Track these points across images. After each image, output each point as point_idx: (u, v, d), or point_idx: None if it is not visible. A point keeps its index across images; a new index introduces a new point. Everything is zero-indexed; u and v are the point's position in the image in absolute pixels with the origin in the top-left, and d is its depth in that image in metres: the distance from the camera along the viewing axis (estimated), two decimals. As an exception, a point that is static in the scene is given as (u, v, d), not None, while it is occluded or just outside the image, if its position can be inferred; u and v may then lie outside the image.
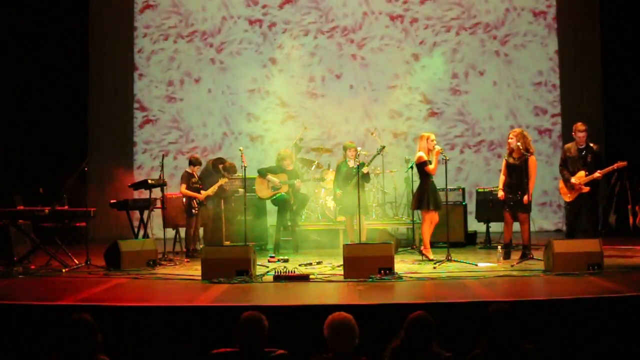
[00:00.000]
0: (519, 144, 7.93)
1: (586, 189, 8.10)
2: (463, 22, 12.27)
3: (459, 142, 12.20)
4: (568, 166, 8.26)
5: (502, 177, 8.17)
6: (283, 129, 11.98)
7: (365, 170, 8.69)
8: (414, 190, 8.80)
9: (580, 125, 8.28)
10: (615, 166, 8.15)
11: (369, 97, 12.23)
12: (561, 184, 8.40)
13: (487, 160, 12.16)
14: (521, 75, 12.28)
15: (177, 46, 12.36)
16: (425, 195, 8.33)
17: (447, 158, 8.24)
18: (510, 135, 8.05)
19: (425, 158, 8.29)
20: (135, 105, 12.36)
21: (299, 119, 12.01)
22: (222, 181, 9.44)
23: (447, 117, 12.22)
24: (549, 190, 11.98)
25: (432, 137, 8.40)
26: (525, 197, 7.85)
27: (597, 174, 8.04)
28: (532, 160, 7.96)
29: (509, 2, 12.31)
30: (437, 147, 8.24)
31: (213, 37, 12.34)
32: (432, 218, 8.34)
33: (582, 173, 8.12)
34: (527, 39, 12.28)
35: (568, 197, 8.27)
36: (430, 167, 8.27)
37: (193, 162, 9.47)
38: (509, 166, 8.08)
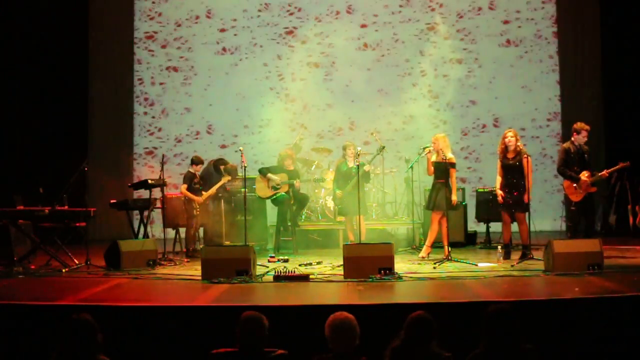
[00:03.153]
0: (519, 143, 7.98)
1: (593, 189, 8.13)
2: (462, 21, 12.27)
3: (456, 141, 12.20)
4: (571, 166, 8.24)
5: (498, 178, 8.17)
6: (284, 128, 11.99)
7: (366, 168, 8.71)
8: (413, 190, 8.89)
9: (586, 125, 8.29)
10: (619, 166, 8.17)
11: (370, 97, 12.24)
12: (567, 184, 8.33)
13: (486, 160, 12.16)
14: (521, 75, 12.28)
15: (178, 45, 12.37)
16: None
17: (447, 158, 8.27)
18: (510, 135, 8.05)
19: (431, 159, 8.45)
20: (136, 104, 12.37)
21: (300, 119, 12.03)
22: (225, 179, 9.43)
23: (445, 117, 12.21)
24: (550, 191, 12.00)
25: (433, 138, 8.45)
26: (526, 196, 7.87)
27: (605, 173, 8.08)
28: (529, 160, 7.98)
29: (509, 1, 12.32)
30: (427, 148, 8.41)
31: (215, 37, 12.36)
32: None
33: (586, 173, 8.13)
34: (527, 38, 12.29)
35: (576, 197, 8.22)
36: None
37: (195, 161, 9.48)
38: (504, 166, 8.08)
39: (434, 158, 8.40)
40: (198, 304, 5.71)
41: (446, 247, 8.19)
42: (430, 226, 8.49)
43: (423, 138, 11.62)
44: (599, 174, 8.12)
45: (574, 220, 8.43)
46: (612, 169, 8.21)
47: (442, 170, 8.31)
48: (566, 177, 8.29)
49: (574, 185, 8.19)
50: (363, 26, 12.28)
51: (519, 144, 8.04)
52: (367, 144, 11.39)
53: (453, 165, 8.34)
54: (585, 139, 8.25)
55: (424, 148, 9.55)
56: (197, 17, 12.39)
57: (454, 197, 8.29)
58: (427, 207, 8.58)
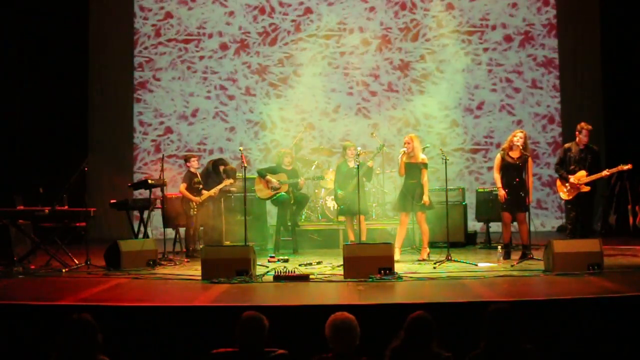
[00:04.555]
0: (518, 144, 7.99)
1: (586, 189, 8.17)
2: (461, 21, 12.27)
3: (458, 142, 12.20)
4: (568, 165, 8.33)
5: (497, 176, 8.14)
6: (284, 128, 12.01)
7: (370, 163, 8.71)
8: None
9: (588, 125, 8.34)
10: (619, 168, 8.20)
11: (371, 97, 12.25)
12: (558, 182, 8.52)
13: (487, 161, 12.17)
14: (521, 75, 12.28)
15: (179, 44, 12.37)
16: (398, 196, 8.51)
17: (447, 158, 8.27)
18: (520, 135, 8.05)
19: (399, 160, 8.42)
20: (136, 104, 12.36)
21: (300, 119, 12.04)
22: (226, 182, 9.42)
23: (446, 117, 12.21)
24: (550, 191, 12.01)
25: (406, 138, 8.43)
26: (528, 197, 7.90)
27: (605, 172, 8.14)
28: (530, 160, 8.00)
29: (508, 2, 12.32)
30: (402, 150, 8.35)
31: (217, 35, 12.36)
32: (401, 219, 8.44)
33: (582, 173, 8.19)
34: (527, 38, 12.29)
35: (566, 195, 8.37)
36: (397, 168, 8.40)
37: (188, 157, 9.49)
38: (506, 165, 8.07)
39: (405, 158, 8.37)
40: (198, 304, 5.70)
41: (399, 249, 8.23)
42: (398, 228, 8.43)
43: (424, 138, 11.68)
44: (601, 174, 8.18)
45: (571, 219, 8.47)
46: (611, 170, 8.24)
47: (416, 170, 8.32)
48: (558, 175, 8.47)
49: (565, 184, 8.29)
50: (366, 24, 12.28)
51: (519, 144, 8.02)
52: (370, 136, 11.35)
53: (426, 165, 8.36)
54: (587, 138, 8.31)
55: (424, 148, 9.55)
56: (200, 14, 12.38)
57: (426, 198, 8.28)
58: (404, 209, 8.37)
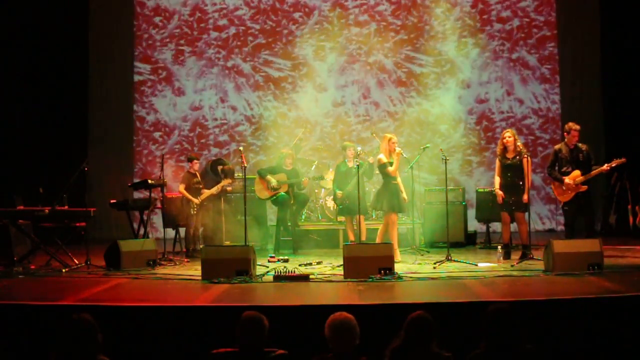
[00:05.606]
0: (518, 143, 7.99)
1: (584, 188, 8.13)
2: (462, 20, 12.26)
3: (457, 141, 12.20)
4: (561, 167, 8.28)
5: (497, 179, 8.16)
6: (284, 128, 12.01)
7: (371, 159, 8.69)
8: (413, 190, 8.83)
9: (576, 125, 8.31)
10: (615, 162, 8.17)
11: (370, 96, 12.25)
12: (554, 185, 8.43)
13: (486, 161, 12.17)
14: (521, 75, 12.28)
15: (179, 42, 12.36)
16: (381, 196, 8.40)
17: (447, 158, 8.28)
18: (508, 135, 8.07)
19: (385, 160, 8.32)
20: (136, 104, 12.36)
21: (301, 118, 12.04)
22: (225, 182, 9.42)
23: (445, 115, 12.20)
24: (550, 191, 12.03)
25: (394, 138, 8.41)
26: (525, 196, 7.89)
27: (606, 167, 8.10)
28: (529, 160, 7.99)
29: (508, 1, 12.32)
30: (398, 149, 8.26)
31: (217, 33, 12.36)
32: (390, 220, 8.32)
33: (577, 172, 8.15)
34: (527, 38, 12.28)
35: (564, 198, 8.30)
36: (391, 168, 8.28)
37: (191, 158, 9.49)
38: (505, 167, 8.07)
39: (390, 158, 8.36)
40: (198, 304, 5.71)
41: (397, 250, 8.13)
42: (392, 229, 8.32)
43: (425, 137, 11.69)
44: (602, 168, 8.11)
45: (567, 220, 8.44)
46: (610, 164, 8.19)
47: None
48: (552, 178, 8.38)
49: (562, 186, 8.22)
50: (366, 22, 12.28)
51: (518, 143, 8.06)
52: (370, 135, 11.35)
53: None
54: (576, 138, 8.26)
55: (424, 148, 9.56)
56: (199, 12, 12.38)
57: (405, 196, 8.39)
58: (400, 209, 8.37)
